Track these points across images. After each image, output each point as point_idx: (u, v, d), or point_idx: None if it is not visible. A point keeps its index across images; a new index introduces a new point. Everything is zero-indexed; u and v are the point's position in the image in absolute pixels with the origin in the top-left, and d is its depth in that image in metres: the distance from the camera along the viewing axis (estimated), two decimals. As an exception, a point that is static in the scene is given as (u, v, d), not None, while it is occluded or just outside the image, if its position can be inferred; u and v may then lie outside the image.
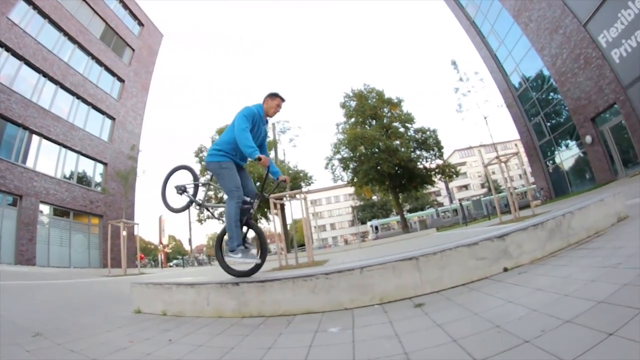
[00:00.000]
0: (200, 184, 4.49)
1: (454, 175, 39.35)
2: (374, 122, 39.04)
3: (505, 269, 3.03)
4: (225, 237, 3.99)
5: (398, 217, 58.90)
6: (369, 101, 39.21)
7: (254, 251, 3.98)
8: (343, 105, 40.24)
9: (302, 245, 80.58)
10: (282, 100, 4.18)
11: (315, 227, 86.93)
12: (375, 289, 2.96)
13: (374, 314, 2.67)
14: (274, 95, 4.14)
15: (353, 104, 39.94)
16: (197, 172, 4.81)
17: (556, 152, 24.66)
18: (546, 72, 23.07)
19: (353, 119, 39.65)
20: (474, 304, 2.42)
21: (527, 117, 26.77)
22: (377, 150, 36.60)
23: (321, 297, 3.03)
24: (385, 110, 39.32)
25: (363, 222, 71.88)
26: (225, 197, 3.87)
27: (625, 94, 17.01)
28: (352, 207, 79.50)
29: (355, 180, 38.76)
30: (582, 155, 21.82)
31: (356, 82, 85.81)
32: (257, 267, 3.91)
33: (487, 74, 28.78)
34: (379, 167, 36.23)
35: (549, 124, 24.59)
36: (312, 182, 43.71)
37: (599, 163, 19.58)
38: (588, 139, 19.86)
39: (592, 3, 17.71)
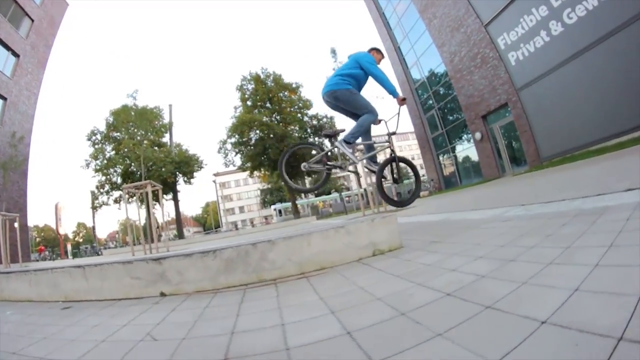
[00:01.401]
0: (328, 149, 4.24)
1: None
2: (269, 105, 36.38)
3: (163, 294, 2.55)
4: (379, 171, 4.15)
5: (302, 201, 56.86)
6: (266, 85, 36.30)
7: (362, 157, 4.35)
8: (240, 88, 36.82)
9: (216, 227, 75.85)
10: (383, 57, 4.62)
11: (224, 210, 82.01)
12: (63, 287, 2.92)
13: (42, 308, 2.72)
14: (379, 51, 4.49)
15: (250, 87, 36.77)
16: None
17: (447, 146, 23.76)
18: (443, 68, 21.84)
19: (250, 102, 36.62)
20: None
21: (422, 110, 25.58)
22: (265, 135, 34.23)
23: (34, 289, 3.08)
24: (283, 95, 36.77)
25: (273, 204, 68.27)
26: (365, 115, 4.04)
27: (518, 96, 16.21)
28: (260, 190, 74.64)
29: (246, 165, 35.96)
30: (471, 150, 21.02)
31: (258, 66, 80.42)
32: (412, 198, 4.38)
33: (388, 65, 27.41)
34: (266, 153, 33.87)
35: (442, 118, 23.57)
36: (203, 167, 40.28)
37: (487, 159, 18.72)
38: (478, 135, 18.92)
39: (496, 5, 16.46)
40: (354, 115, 4.28)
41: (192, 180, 39.71)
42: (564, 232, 2.15)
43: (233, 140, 35.58)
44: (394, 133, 4.27)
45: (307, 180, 57.18)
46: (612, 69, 12.24)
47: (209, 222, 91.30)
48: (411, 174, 4.57)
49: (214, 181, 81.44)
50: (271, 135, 34.35)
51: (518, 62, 16.01)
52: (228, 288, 2.52)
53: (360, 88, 4.19)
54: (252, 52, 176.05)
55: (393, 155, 4.16)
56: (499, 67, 17.00)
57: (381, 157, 4.55)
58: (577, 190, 3.96)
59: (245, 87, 36.77)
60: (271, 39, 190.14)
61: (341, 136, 4.08)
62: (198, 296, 2.41)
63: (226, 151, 36.36)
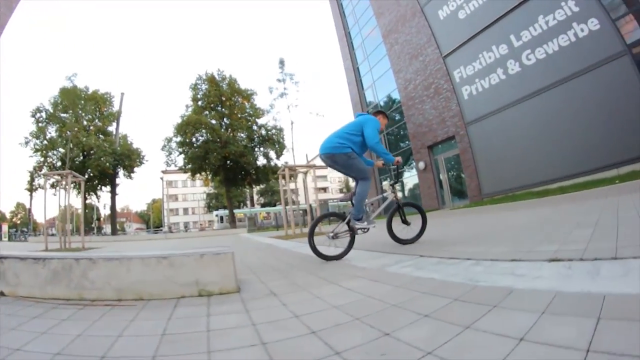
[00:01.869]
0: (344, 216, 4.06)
1: (291, 177, 35.99)
2: (220, 109, 34.31)
3: (2, 293, 2.49)
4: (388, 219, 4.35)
5: (245, 210, 54.12)
6: (220, 88, 34.41)
7: (372, 216, 4.22)
8: (193, 88, 34.61)
9: (158, 227, 70.49)
10: (388, 120, 4.59)
11: (167, 209, 76.75)
12: None
13: None
14: (386, 115, 4.45)
15: (204, 87, 34.59)
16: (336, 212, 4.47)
17: (391, 172, 22.34)
18: (397, 95, 20.89)
19: (201, 103, 34.37)
20: None
21: (371, 134, 24.11)
22: (210, 139, 32.08)
23: None
24: (235, 100, 34.80)
25: (217, 209, 64.55)
26: (361, 180, 3.98)
27: (466, 130, 15.44)
28: (206, 193, 70.57)
29: (188, 167, 33.43)
30: (414, 179, 19.94)
31: (215, 67, 75.05)
32: (417, 237, 4.29)
33: (344, 85, 26.33)
34: (208, 157, 31.65)
35: (390, 143, 22.46)
36: (144, 162, 37.23)
37: (428, 190, 17.62)
38: (421, 164, 17.84)
39: (458, 38, 15.77)
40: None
41: (132, 174, 36.69)
42: (406, 338, 1.35)
43: (179, 139, 32.97)
44: (396, 182, 4.65)
45: (256, 189, 55.03)
46: (563, 114, 11.73)
47: (152, 219, 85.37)
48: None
49: (162, 178, 76.32)
50: (217, 140, 32.10)
51: (471, 96, 15.28)
52: (54, 300, 2.38)
53: (361, 150, 4.05)
54: (213, 53, 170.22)
55: (397, 203, 4.29)
56: (451, 99, 16.19)
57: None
58: (495, 243, 3.44)
59: (199, 86, 34.59)
60: (233, 43, 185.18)
61: (350, 215, 3.95)
62: (22, 302, 2.35)
63: (170, 149, 33.73)
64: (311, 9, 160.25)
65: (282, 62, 19.49)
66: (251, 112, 34.84)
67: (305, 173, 13.48)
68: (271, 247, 7.42)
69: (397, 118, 21.32)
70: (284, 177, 12.35)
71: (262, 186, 46.98)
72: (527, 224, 4.88)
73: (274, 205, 55.43)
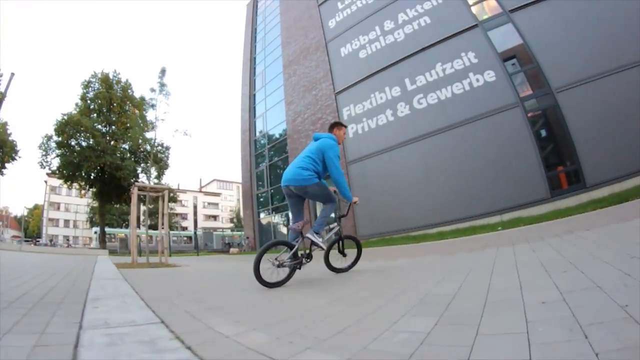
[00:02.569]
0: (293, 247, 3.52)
1: (173, 202, 30.51)
2: (109, 114, 28.72)
3: None
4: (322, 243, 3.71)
5: (127, 230, 46.30)
6: (112, 90, 29.01)
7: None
8: (85, 86, 28.76)
9: (37, 236, 56.94)
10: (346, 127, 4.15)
11: (47, 218, 63.25)
12: None
13: None
14: (340, 125, 4.00)
15: (97, 87, 28.97)
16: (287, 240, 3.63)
17: (269, 205, 19.60)
18: (284, 127, 18.49)
19: (90, 102, 28.49)
20: None
21: (255, 164, 21.25)
22: (90, 145, 26.28)
23: None
24: (127, 107, 29.53)
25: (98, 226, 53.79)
26: (326, 204, 3.72)
27: (346, 169, 13.38)
28: (90, 206, 59.08)
29: (61, 171, 26.73)
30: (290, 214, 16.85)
31: (111, 67, 66.27)
32: (351, 266, 4.10)
33: (238, 111, 23.09)
34: (81, 165, 25.67)
35: (271, 176, 19.68)
36: (17, 158, 29.12)
37: (306, 225, 14.53)
38: (300, 200, 14.87)
39: (354, 75, 14.28)
40: (299, 199, 3.77)
41: (3, 170, 28.12)
42: None
43: (58, 139, 26.23)
44: (343, 216, 4.24)
45: (143, 209, 47.65)
46: (448, 159, 10.67)
47: (31, 227, 69.79)
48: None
49: (46, 182, 63.26)
50: (97, 147, 26.18)
51: (356, 135, 13.54)
52: None
53: (323, 174, 3.69)
54: (121, 56, 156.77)
55: (340, 235, 4.07)
56: (336, 136, 13.77)
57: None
58: (279, 320, 1.81)
59: (92, 85, 28.71)
60: (142, 46, 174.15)
61: (309, 229, 3.63)
62: None
63: (47, 149, 26.52)
64: (231, 30, 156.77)
65: (163, 72, 15.98)
66: (140, 123, 29.63)
67: (161, 196, 10.09)
68: (91, 275, 5.34)
69: (277, 150, 19.12)
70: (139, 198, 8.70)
71: (150, 206, 40.44)
72: (343, 288, 2.95)
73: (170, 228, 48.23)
